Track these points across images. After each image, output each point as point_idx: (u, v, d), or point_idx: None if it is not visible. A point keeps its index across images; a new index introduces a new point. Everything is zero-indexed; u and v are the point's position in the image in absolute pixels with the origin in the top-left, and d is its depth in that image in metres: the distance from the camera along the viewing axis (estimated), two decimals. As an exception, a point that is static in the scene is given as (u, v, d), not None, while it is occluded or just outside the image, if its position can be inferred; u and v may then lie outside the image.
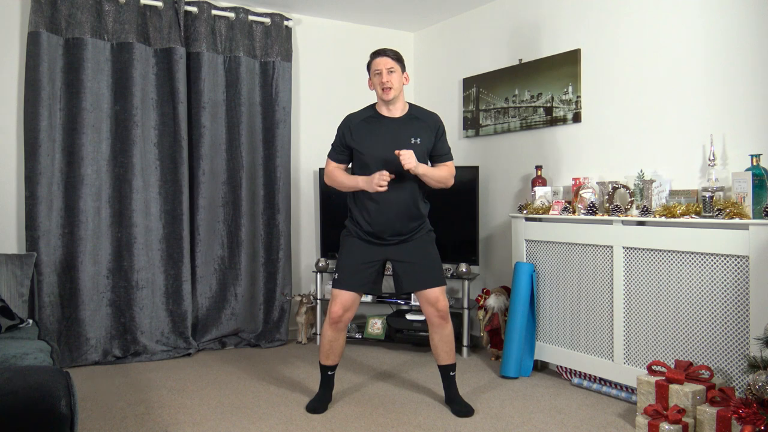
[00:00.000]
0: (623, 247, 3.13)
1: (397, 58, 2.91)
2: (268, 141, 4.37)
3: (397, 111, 2.92)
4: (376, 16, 4.67)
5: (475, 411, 2.96)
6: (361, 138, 2.92)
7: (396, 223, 2.89)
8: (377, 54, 2.91)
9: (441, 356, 3.00)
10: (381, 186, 2.75)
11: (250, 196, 4.32)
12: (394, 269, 2.97)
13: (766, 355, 2.35)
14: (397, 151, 2.75)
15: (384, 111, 2.93)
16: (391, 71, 2.86)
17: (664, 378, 2.71)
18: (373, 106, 2.98)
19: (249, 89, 4.30)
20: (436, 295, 2.90)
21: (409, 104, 2.98)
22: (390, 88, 2.84)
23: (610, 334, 3.23)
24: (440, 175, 2.91)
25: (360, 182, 2.85)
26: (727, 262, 2.71)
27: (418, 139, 2.88)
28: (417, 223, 2.94)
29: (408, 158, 2.73)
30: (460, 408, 2.95)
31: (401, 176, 2.84)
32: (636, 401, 2.92)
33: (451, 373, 3.01)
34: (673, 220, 2.89)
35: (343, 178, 2.95)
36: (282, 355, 4.04)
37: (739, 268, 2.66)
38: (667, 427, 2.54)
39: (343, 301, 2.92)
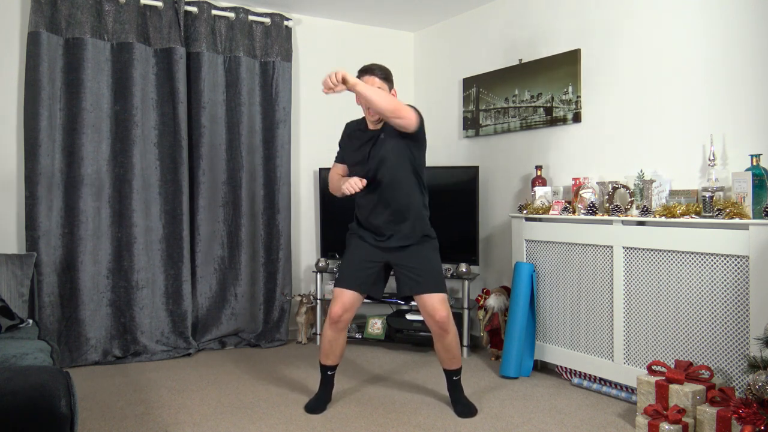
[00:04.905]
0: (623, 247, 3.13)
1: (385, 77, 2.88)
2: (268, 141, 4.38)
3: (381, 123, 2.89)
4: (376, 16, 4.67)
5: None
6: (347, 147, 3.03)
7: (389, 227, 2.89)
8: (365, 72, 2.87)
9: (443, 362, 3.00)
10: (347, 189, 2.78)
11: (250, 196, 4.32)
12: (395, 273, 2.98)
13: (766, 355, 2.35)
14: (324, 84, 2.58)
15: (370, 124, 2.95)
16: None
17: (664, 378, 2.71)
18: (364, 118, 3.00)
19: (249, 89, 4.30)
20: (434, 305, 2.86)
21: None
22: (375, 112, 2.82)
23: (610, 334, 3.23)
24: (380, 98, 2.62)
25: (341, 185, 2.89)
26: (727, 262, 2.71)
27: (382, 133, 2.88)
28: (415, 230, 2.92)
29: (329, 78, 2.52)
30: (463, 408, 2.95)
31: (395, 181, 2.86)
32: (636, 401, 2.92)
33: (455, 378, 3.00)
34: (673, 220, 2.89)
35: (332, 180, 3.06)
36: (282, 355, 4.04)
37: (739, 268, 2.66)
38: (667, 427, 2.54)
39: (344, 301, 2.92)
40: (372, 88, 2.68)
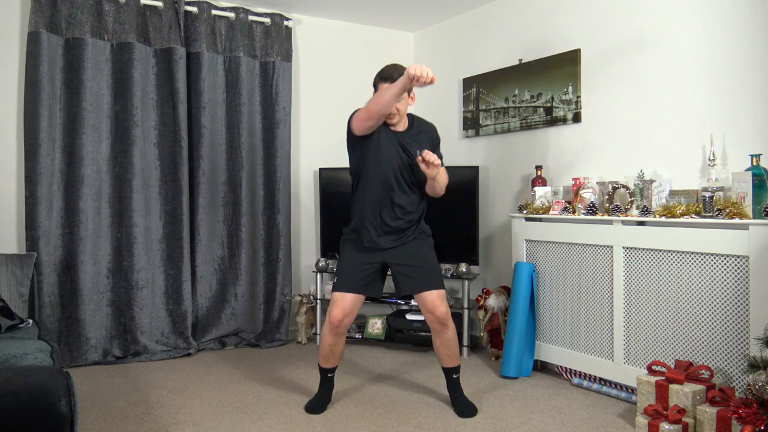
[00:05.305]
0: (623, 247, 3.13)
1: None
2: (268, 141, 4.37)
3: (400, 125, 2.93)
4: (376, 16, 4.67)
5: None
6: (369, 143, 2.87)
7: (391, 223, 2.89)
8: (385, 79, 2.81)
9: (443, 359, 3.00)
10: (422, 71, 2.48)
11: (250, 196, 4.32)
12: (393, 272, 2.98)
13: (766, 355, 2.35)
14: (424, 155, 2.75)
15: (391, 125, 2.92)
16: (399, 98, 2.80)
17: (664, 378, 2.71)
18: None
19: (249, 89, 4.30)
20: (434, 301, 2.88)
21: (409, 116, 2.98)
22: (395, 115, 2.84)
23: (610, 334, 3.23)
24: (444, 180, 2.99)
25: (400, 81, 2.59)
26: (727, 262, 2.71)
27: (406, 137, 2.93)
28: (413, 227, 2.94)
29: (435, 159, 2.75)
30: (463, 408, 2.95)
31: (409, 182, 2.90)
32: (636, 401, 2.92)
33: (454, 376, 3.00)
34: (673, 220, 2.89)
35: (382, 92, 2.70)
36: (282, 355, 4.05)
37: (739, 268, 2.66)
38: (667, 427, 2.54)
39: (344, 305, 2.91)
40: (445, 177, 2.96)
